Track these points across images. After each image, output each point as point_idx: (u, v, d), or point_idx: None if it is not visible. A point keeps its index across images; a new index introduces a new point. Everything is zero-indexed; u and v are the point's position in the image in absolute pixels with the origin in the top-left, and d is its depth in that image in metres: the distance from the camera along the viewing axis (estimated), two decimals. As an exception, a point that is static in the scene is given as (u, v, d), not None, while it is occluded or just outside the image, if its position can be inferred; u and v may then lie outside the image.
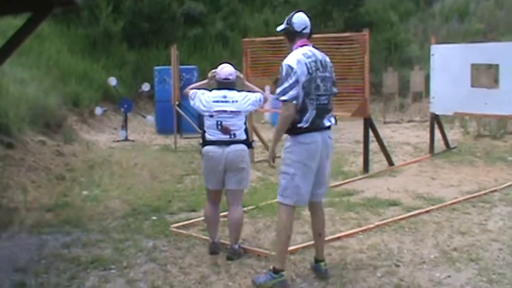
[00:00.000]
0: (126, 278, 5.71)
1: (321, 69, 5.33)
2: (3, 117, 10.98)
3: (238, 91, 6.36)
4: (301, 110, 5.25)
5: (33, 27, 8.37)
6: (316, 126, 5.31)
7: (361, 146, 11.02)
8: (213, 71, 6.52)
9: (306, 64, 5.22)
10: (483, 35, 21.84)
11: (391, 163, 11.02)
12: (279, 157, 5.50)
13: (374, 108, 17.05)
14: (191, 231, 7.02)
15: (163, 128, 16.42)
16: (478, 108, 11.38)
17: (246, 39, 13.04)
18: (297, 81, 5.17)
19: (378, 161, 11.22)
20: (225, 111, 6.14)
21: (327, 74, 5.41)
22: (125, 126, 15.59)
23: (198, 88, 6.54)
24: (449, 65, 11.76)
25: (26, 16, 8.54)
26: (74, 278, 5.74)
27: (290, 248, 5.99)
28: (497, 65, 11.45)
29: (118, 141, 15.16)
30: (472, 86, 11.64)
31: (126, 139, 15.28)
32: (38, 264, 6.17)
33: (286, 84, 5.18)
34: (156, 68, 17.69)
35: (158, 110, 17.19)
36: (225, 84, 6.30)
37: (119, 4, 21.63)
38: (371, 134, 10.63)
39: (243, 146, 6.22)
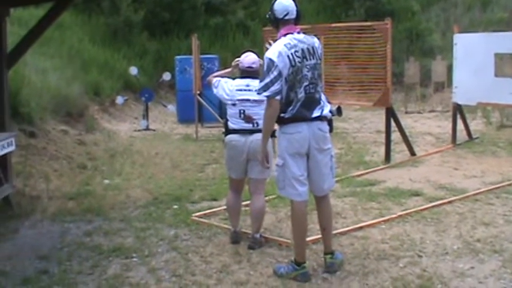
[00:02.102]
0: (148, 266, 5.73)
1: (308, 57, 5.10)
2: (25, 107, 11.05)
3: None
4: (286, 102, 5.11)
5: (54, 17, 8.41)
6: (302, 117, 5.12)
7: (383, 135, 10.96)
8: (237, 59, 6.48)
9: (288, 56, 5.01)
10: (506, 24, 21.58)
11: (413, 153, 10.94)
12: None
13: (395, 98, 16.88)
14: (212, 220, 7.03)
15: (184, 118, 16.41)
16: (501, 98, 11.22)
17: (266, 28, 12.99)
18: (279, 75, 5.00)
19: (399, 151, 11.14)
20: (248, 100, 6.13)
21: (316, 62, 5.18)
22: (146, 116, 15.62)
23: (222, 76, 6.52)
24: (472, 54, 11.62)
25: (48, 6, 8.57)
26: (96, 266, 5.77)
27: (312, 238, 6.00)
28: (521, 55, 11.31)
29: (139, 130, 15.20)
30: (496, 75, 11.50)
31: (147, 128, 15.32)
32: (60, 252, 6.23)
33: (267, 79, 5.03)
34: (177, 57, 17.67)
35: (179, 100, 17.17)
36: (248, 73, 6.27)
37: (139, -7, 21.65)
38: (393, 124, 10.56)
39: None
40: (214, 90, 6.47)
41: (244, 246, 6.17)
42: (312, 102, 5.17)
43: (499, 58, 12.33)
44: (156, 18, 21.48)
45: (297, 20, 5.28)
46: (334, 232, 6.25)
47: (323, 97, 5.34)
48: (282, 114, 5.14)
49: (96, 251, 6.18)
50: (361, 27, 11.13)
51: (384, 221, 6.85)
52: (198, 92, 14.39)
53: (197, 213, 7.27)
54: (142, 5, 21.33)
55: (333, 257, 5.49)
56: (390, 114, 10.54)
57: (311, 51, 5.15)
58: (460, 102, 12.16)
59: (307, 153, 5.21)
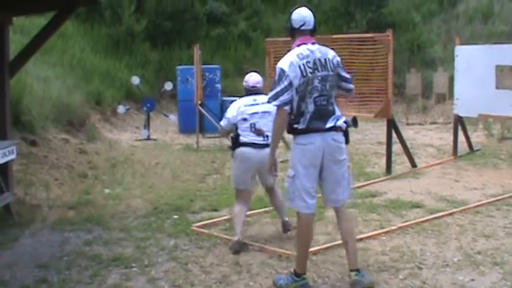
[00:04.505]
0: (148, 276, 5.71)
1: (319, 68, 5.08)
2: (27, 115, 11.05)
3: (266, 95, 6.46)
4: (298, 113, 5.09)
5: (57, 26, 8.44)
6: (315, 128, 5.09)
7: (384, 147, 10.95)
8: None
9: (299, 66, 5.02)
10: (507, 36, 21.62)
11: (414, 165, 10.94)
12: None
13: (397, 110, 16.91)
14: (213, 231, 7.01)
15: (185, 128, 16.42)
16: (502, 110, 11.22)
17: (268, 39, 13.04)
18: (290, 85, 5.00)
19: (400, 163, 11.13)
20: (256, 113, 6.55)
21: (328, 73, 5.13)
22: (147, 125, 15.64)
23: None
24: (473, 66, 11.64)
25: (50, 15, 8.60)
26: (95, 275, 5.76)
27: (312, 249, 5.96)
28: (522, 67, 11.32)
29: (140, 140, 15.21)
30: (497, 87, 11.50)
31: (148, 138, 15.33)
32: (60, 261, 6.21)
33: (278, 89, 5.04)
34: (179, 67, 17.70)
35: (181, 109, 17.20)
36: (253, 91, 6.76)
37: (141, 3, 21.69)
38: (394, 135, 10.56)
39: None
40: (224, 123, 6.86)
41: (244, 257, 6.15)
42: (324, 113, 5.14)
43: (500, 70, 12.34)
44: (158, 28, 21.53)
45: (313, 32, 5.30)
46: (334, 243, 6.25)
47: (337, 108, 5.30)
48: (296, 125, 5.12)
49: (95, 260, 6.17)
50: (362, 38, 11.15)
51: (384, 232, 6.84)
52: (200, 102, 14.41)
53: (197, 224, 7.26)
54: (144, 15, 21.39)
55: (359, 274, 5.28)
56: (391, 125, 10.55)
57: (323, 62, 5.13)
58: (461, 114, 12.16)
59: (321, 165, 5.16)
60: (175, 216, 7.76)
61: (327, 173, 5.21)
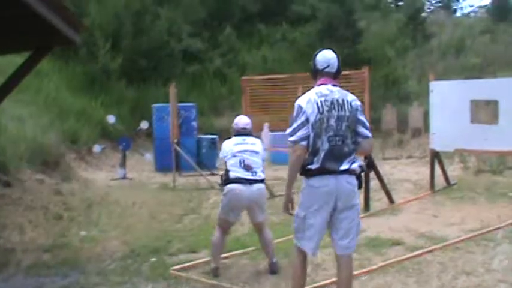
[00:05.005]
0: (125, 323, 5.58)
1: (336, 108, 5.04)
2: (1, 155, 10.90)
3: (255, 137, 7.22)
4: (313, 151, 5.04)
5: (32, 65, 8.39)
6: (329, 169, 5.02)
7: (361, 183, 10.89)
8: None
9: (316, 103, 5.02)
10: (479, 69, 21.97)
11: (392, 201, 10.93)
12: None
13: (373, 145, 16.99)
14: (191, 274, 6.88)
15: (161, 166, 16.34)
16: (478, 144, 11.30)
17: (244, 77, 13.08)
18: (306, 121, 4.99)
19: (378, 199, 11.11)
20: (246, 151, 6.87)
21: (345, 114, 5.07)
22: (123, 164, 15.51)
23: None
24: (448, 101, 11.74)
25: (25, 54, 8.54)
26: (71, 323, 5.61)
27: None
28: (496, 101, 11.42)
29: (116, 179, 15.07)
30: (472, 122, 11.61)
31: (124, 177, 15.19)
32: (34, 309, 6.05)
33: (295, 125, 5.03)
34: (155, 105, 17.65)
35: (157, 148, 17.13)
36: (243, 133, 7.10)
37: (117, 41, 21.69)
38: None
39: (263, 185, 6.94)
40: (222, 159, 7.08)
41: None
42: (339, 154, 5.06)
43: (475, 105, 12.47)
44: (133, 65, 21.54)
45: (336, 75, 5.28)
46: (314, 285, 6.16)
47: (354, 151, 5.20)
48: (309, 166, 5.06)
49: (71, 307, 6.02)
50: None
51: (364, 272, 6.76)
52: (176, 141, 14.34)
53: (176, 267, 7.11)
54: (119, 53, 21.38)
55: None
56: (369, 161, 10.52)
57: (340, 103, 5.09)
58: (437, 149, 12.23)
59: (334, 208, 5.07)
60: (153, 259, 7.60)
61: (339, 218, 5.11)
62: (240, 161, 6.80)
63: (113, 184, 14.32)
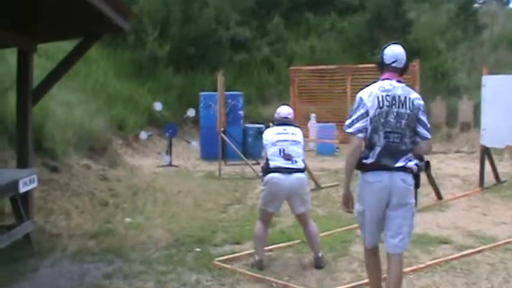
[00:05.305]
0: (168, 314, 5.56)
1: (397, 104, 4.94)
2: (49, 141, 11.01)
3: (295, 127, 7.16)
4: (369, 145, 4.98)
5: (82, 53, 8.43)
6: (384, 165, 4.93)
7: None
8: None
9: (377, 97, 4.94)
10: (533, 63, 21.42)
11: (439, 197, 10.73)
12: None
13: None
14: (235, 266, 6.83)
15: (207, 154, 16.37)
16: (530, 142, 11.05)
17: (293, 67, 12.98)
18: (366, 114, 4.92)
19: (426, 194, 10.90)
20: (286, 140, 6.86)
21: (406, 111, 4.96)
22: (169, 152, 15.58)
23: None
24: (501, 96, 11.49)
25: (75, 40, 8.59)
26: (115, 312, 5.62)
27: (338, 288, 5.81)
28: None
29: (162, 166, 15.15)
30: (525, 118, 11.32)
31: (170, 164, 15.26)
32: (79, 295, 6.08)
33: (354, 116, 4.97)
34: (202, 93, 17.67)
35: (203, 136, 17.16)
36: (284, 122, 7.09)
37: (165, 29, 21.79)
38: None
39: (303, 175, 6.87)
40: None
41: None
42: (395, 151, 4.96)
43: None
44: (181, 53, 21.61)
45: (403, 71, 5.19)
46: (360, 282, 6.06)
47: (413, 151, 5.08)
48: (365, 160, 5.00)
49: (115, 295, 6.03)
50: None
51: (412, 270, 6.61)
52: (222, 129, 14.31)
53: (220, 258, 7.06)
54: (167, 40, 21.48)
55: None
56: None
57: (402, 100, 4.99)
58: (488, 145, 11.97)
59: (388, 204, 4.99)
60: (198, 249, 7.58)
61: (391, 215, 5.03)
62: (279, 150, 6.80)
63: (158, 171, 14.39)
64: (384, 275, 5.24)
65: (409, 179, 5.01)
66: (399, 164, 4.95)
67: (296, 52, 23.82)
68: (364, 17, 24.76)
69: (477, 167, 12.26)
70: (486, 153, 12.07)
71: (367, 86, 5.13)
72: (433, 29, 25.00)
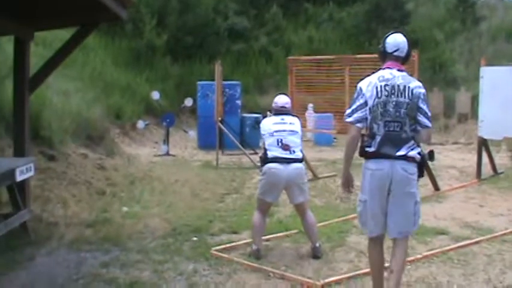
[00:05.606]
0: (165, 303, 5.56)
1: (396, 93, 4.95)
2: (46, 129, 10.97)
3: (293, 116, 7.13)
4: (370, 134, 5.02)
5: (79, 41, 8.40)
6: (385, 154, 4.95)
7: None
8: None
9: (376, 87, 4.97)
10: (531, 54, 21.39)
11: (437, 188, 10.73)
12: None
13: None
14: (232, 255, 6.82)
15: (205, 144, 16.36)
16: (529, 133, 11.04)
17: (291, 57, 12.93)
18: (365, 104, 4.97)
19: (423, 185, 10.84)
20: (284, 130, 6.85)
21: (405, 100, 4.96)
22: (166, 141, 15.57)
23: None
24: (499, 87, 11.46)
25: (72, 28, 8.55)
26: (112, 300, 5.61)
27: (335, 278, 5.80)
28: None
29: (159, 155, 15.13)
30: (523, 110, 11.30)
31: (167, 154, 15.25)
32: (76, 283, 6.06)
33: (353, 106, 5.02)
34: (199, 82, 17.64)
35: (200, 125, 17.15)
36: (282, 111, 7.07)
37: (163, 18, 21.73)
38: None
39: (301, 165, 6.83)
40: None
41: (265, 285, 5.97)
42: (396, 140, 4.97)
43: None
44: (179, 42, 21.57)
45: (404, 60, 5.19)
46: (358, 272, 6.07)
47: (415, 139, 5.08)
48: (367, 148, 5.04)
49: (112, 284, 6.00)
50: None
51: (409, 261, 6.60)
52: (220, 119, 14.29)
53: (217, 247, 7.06)
54: (165, 30, 21.42)
55: None
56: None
57: (402, 89, 4.98)
58: (485, 136, 11.96)
59: (388, 192, 4.99)
60: (194, 238, 7.59)
61: (394, 204, 5.02)
62: (277, 141, 6.78)
63: (156, 160, 14.38)
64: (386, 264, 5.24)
65: (411, 168, 4.99)
66: (400, 152, 4.96)
67: (294, 42, 23.77)
68: (362, 8, 24.71)
69: (474, 158, 12.27)
70: (483, 144, 12.06)
71: (366, 76, 5.14)
72: (432, 20, 24.97)
